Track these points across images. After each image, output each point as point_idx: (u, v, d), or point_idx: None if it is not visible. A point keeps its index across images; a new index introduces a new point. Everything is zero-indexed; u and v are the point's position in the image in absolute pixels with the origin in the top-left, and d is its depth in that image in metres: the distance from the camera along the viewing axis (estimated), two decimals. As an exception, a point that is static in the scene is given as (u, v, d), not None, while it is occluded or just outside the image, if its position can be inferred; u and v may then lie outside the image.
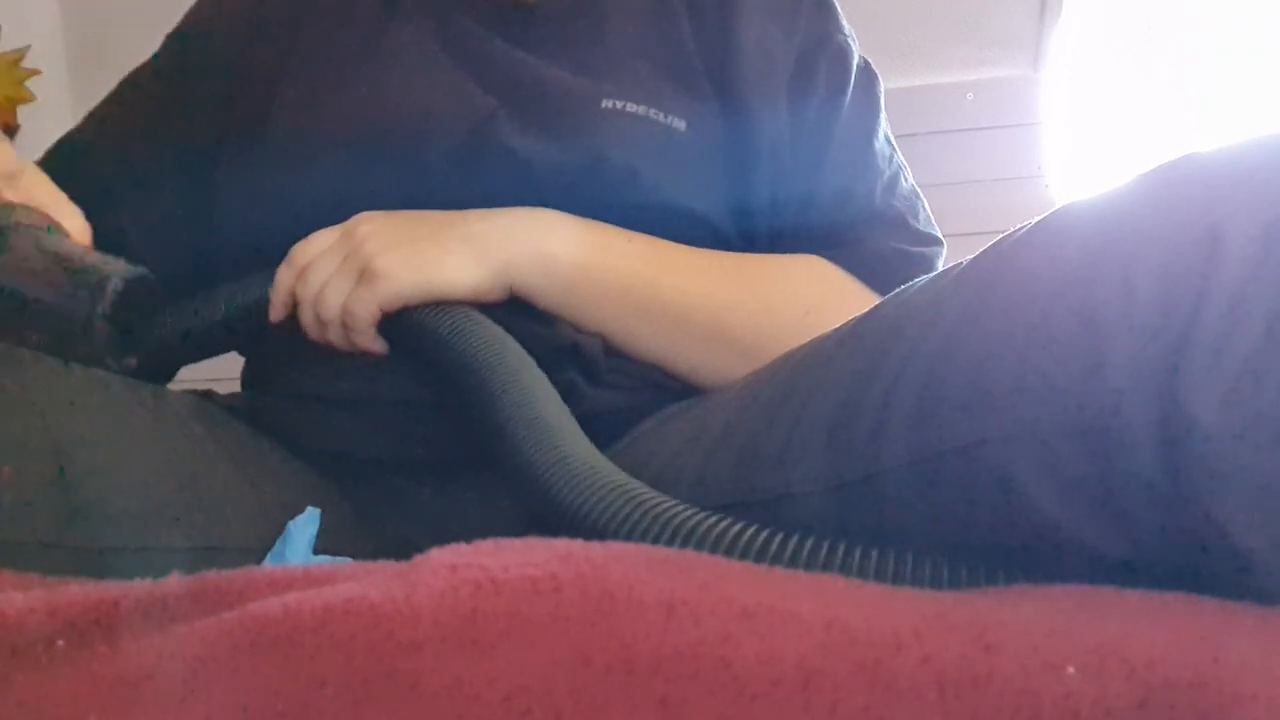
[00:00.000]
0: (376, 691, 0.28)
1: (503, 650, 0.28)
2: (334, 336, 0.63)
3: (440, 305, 0.61)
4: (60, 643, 0.30)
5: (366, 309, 0.61)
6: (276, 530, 0.58)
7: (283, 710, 0.28)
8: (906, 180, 0.79)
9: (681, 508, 0.41)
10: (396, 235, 0.63)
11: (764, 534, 0.38)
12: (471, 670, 0.28)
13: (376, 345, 0.63)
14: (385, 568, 0.34)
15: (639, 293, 0.66)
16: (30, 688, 0.29)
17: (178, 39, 0.79)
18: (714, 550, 0.39)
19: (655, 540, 0.40)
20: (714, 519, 0.40)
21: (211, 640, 0.29)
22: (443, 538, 0.36)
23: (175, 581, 0.34)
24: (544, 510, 0.47)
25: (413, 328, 0.61)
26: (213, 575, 0.34)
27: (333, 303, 0.62)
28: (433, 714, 0.27)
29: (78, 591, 0.32)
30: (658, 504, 0.42)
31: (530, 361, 0.57)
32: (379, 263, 0.61)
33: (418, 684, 0.28)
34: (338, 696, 0.28)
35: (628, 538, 0.41)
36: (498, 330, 0.59)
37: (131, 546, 0.52)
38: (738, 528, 0.39)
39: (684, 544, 0.39)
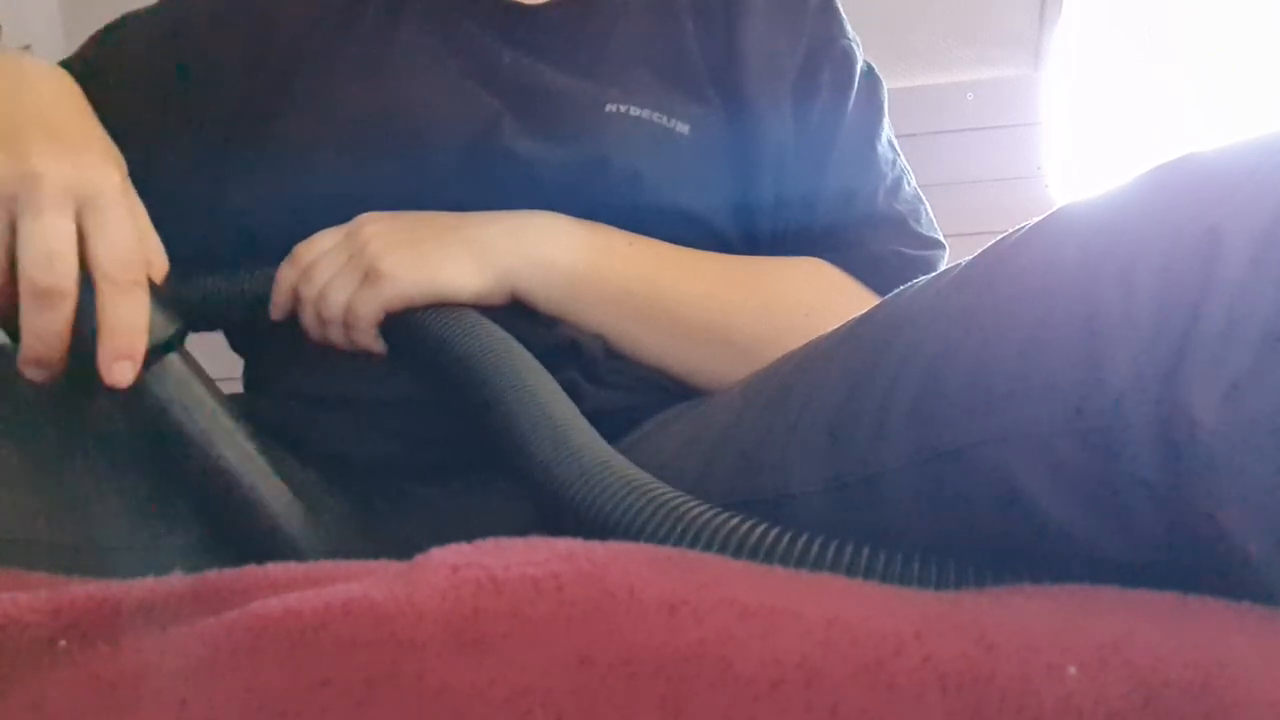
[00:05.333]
0: (378, 691, 0.28)
1: (504, 650, 0.28)
2: (335, 336, 0.63)
3: (442, 308, 0.61)
4: (62, 643, 0.30)
5: (369, 309, 0.61)
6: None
7: (284, 710, 0.28)
8: (909, 184, 0.80)
9: (695, 503, 0.41)
10: (401, 236, 0.63)
11: (776, 532, 0.38)
12: (473, 670, 0.28)
13: (377, 346, 0.63)
14: (386, 567, 0.34)
15: (640, 297, 0.66)
16: (33, 688, 0.29)
17: (172, 27, 0.78)
18: (727, 548, 0.39)
19: (667, 536, 0.40)
20: (728, 516, 0.40)
21: (213, 640, 0.29)
22: (444, 537, 0.36)
23: (177, 580, 0.34)
24: (554, 506, 0.47)
25: (414, 329, 0.62)
26: (214, 574, 0.34)
27: (336, 302, 0.62)
28: (434, 714, 0.27)
29: (80, 591, 0.32)
30: (672, 499, 0.42)
31: (535, 362, 0.57)
32: (383, 264, 0.61)
33: (419, 683, 0.28)
34: (339, 696, 0.28)
35: (639, 533, 0.41)
36: (500, 332, 0.59)
37: (132, 545, 0.52)
38: (750, 525, 0.39)
39: (696, 540, 0.39)
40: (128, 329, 0.47)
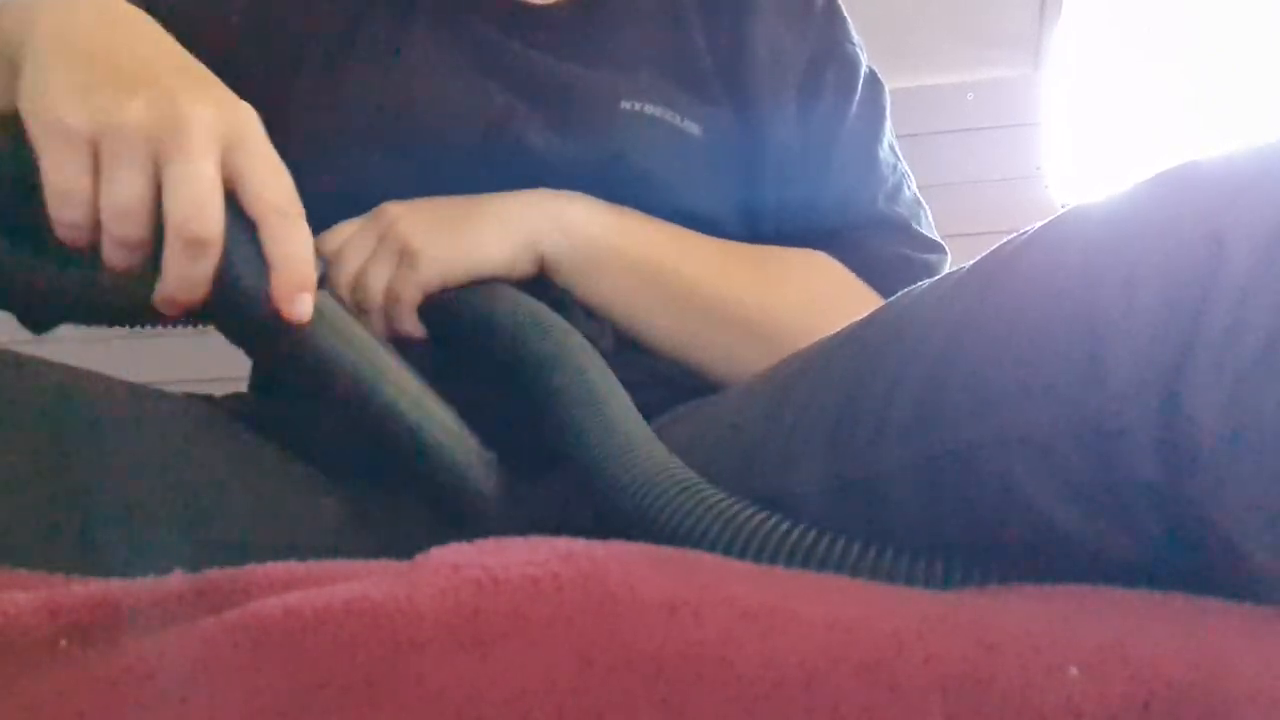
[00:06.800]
0: (378, 691, 0.28)
1: (504, 650, 0.28)
2: (375, 323, 0.62)
3: (479, 285, 0.61)
4: (63, 643, 0.30)
5: (410, 291, 0.61)
6: (277, 530, 0.58)
7: (284, 710, 0.28)
8: (909, 189, 0.80)
9: (758, 512, 0.41)
10: (428, 216, 0.63)
11: (834, 541, 0.38)
12: (473, 670, 0.28)
13: (418, 330, 0.62)
14: (387, 567, 0.34)
15: (658, 269, 0.67)
16: (33, 688, 0.29)
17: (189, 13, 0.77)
18: (790, 560, 0.38)
19: (731, 547, 0.40)
20: (797, 528, 0.40)
21: (213, 640, 0.29)
22: (443, 536, 0.36)
23: (177, 580, 0.34)
24: (613, 508, 0.46)
25: (451, 308, 0.61)
26: (215, 574, 0.34)
27: (375, 287, 0.61)
28: (434, 714, 0.27)
29: (80, 591, 0.32)
30: (734, 508, 0.42)
31: (585, 342, 0.57)
32: (417, 243, 0.61)
33: (419, 684, 0.28)
34: (339, 696, 0.28)
35: (700, 540, 0.41)
36: (546, 309, 0.59)
37: (132, 544, 0.52)
38: (813, 536, 0.39)
39: (761, 552, 0.39)
40: (300, 260, 0.45)
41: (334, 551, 0.52)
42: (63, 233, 0.44)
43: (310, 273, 0.45)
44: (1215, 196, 0.33)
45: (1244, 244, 0.31)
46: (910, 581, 0.36)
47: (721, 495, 0.43)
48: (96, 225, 0.44)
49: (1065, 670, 0.26)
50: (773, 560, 0.39)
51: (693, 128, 0.71)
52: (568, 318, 0.64)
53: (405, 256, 0.61)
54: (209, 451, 0.59)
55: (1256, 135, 0.35)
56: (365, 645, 0.28)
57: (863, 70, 0.80)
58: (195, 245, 0.43)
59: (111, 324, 0.56)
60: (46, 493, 0.49)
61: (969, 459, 0.37)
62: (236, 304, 0.45)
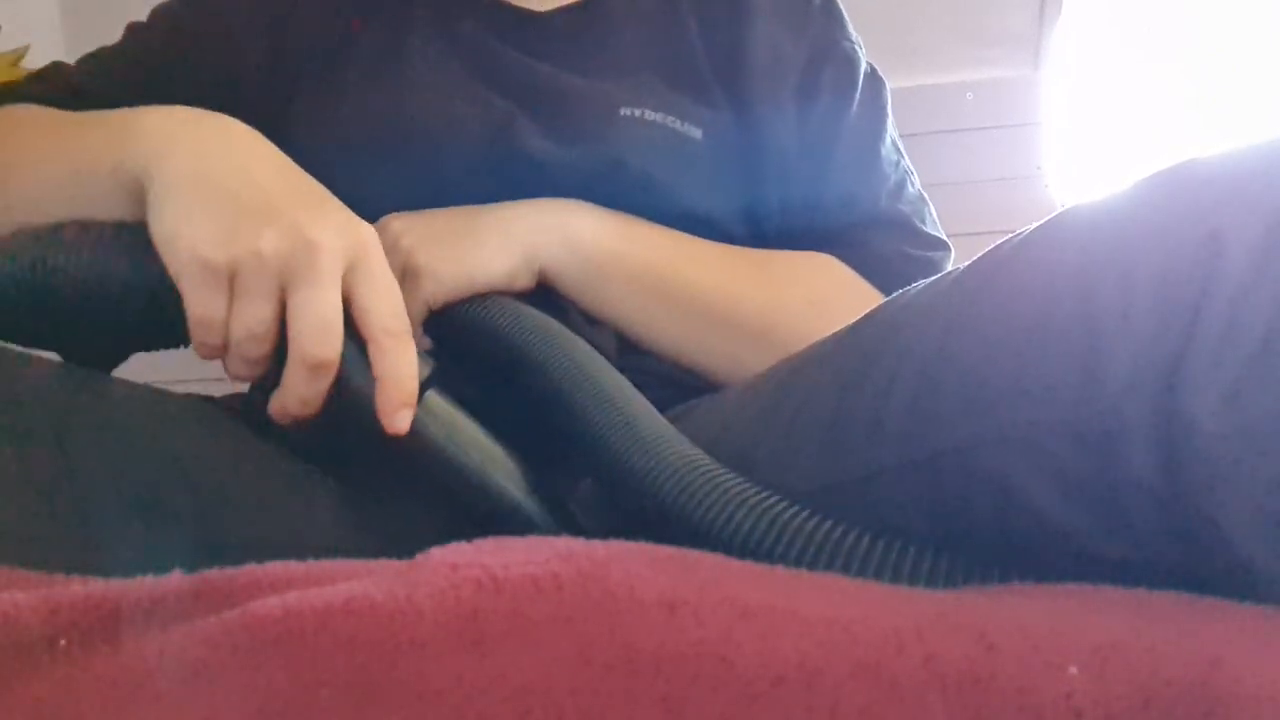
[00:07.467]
0: (378, 691, 0.28)
1: (504, 649, 0.28)
2: None
3: (484, 298, 0.61)
4: (62, 642, 0.30)
5: (416, 308, 0.61)
6: (276, 529, 0.58)
7: (283, 710, 0.28)
8: (913, 185, 0.80)
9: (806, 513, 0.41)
10: (431, 230, 0.63)
11: (870, 540, 0.38)
12: (473, 670, 0.28)
13: (425, 342, 0.63)
14: (386, 566, 0.34)
15: (660, 276, 0.67)
16: (32, 687, 0.29)
17: (174, 27, 0.78)
18: (831, 560, 0.38)
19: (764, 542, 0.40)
20: (841, 529, 0.39)
21: (213, 640, 0.29)
22: (444, 536, 0.36)
23: (177, 579, 0.34)
24: (626, 492, 0.47)
25: (458, 323, 0.61)
26: (214, 573, 0.34)
27: None
28: (434, 714, 0.27)
29: (80, 590, 0.32)
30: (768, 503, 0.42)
31: (589, 348, 0.57)
32: (420, 260, 0.61)
33: (419, 684, 0.28)
34: (339, 696, 0.28)
35: (731, 537, 0.41)
36: (551, 320, 0.59)
37: (132, 544, 0.52)
38: (854, 536, 0.39)
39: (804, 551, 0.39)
40: (403, 378, 0.48)
41: (334, 551, 0.52)
42: (201, 351, 0.49)
43: (412, 389, 0.48)
44: (1213, 195, 0.33)
45: (1242, 242, 0.31)
46: (914, 579, 0.36)
47: (752, 487, 0.43)
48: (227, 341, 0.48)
49: (1065, 669, 0.26)
50: (804, 553, 0.39)
51: (693, 131, 0.71)
52: (568, 325, 0.64)
53: (409, 274, 0.61)
54: (209, 451, 0.59)
55: (1256, 135, 0.35)
56: (365, 645, 0.28)
57: (862, 68, 0.80)
58: (317, 368, 0.46)
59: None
60: (46, 493, 0.49)
61: (966, 458, 0.37)
62: (346, 415, 0.49)
